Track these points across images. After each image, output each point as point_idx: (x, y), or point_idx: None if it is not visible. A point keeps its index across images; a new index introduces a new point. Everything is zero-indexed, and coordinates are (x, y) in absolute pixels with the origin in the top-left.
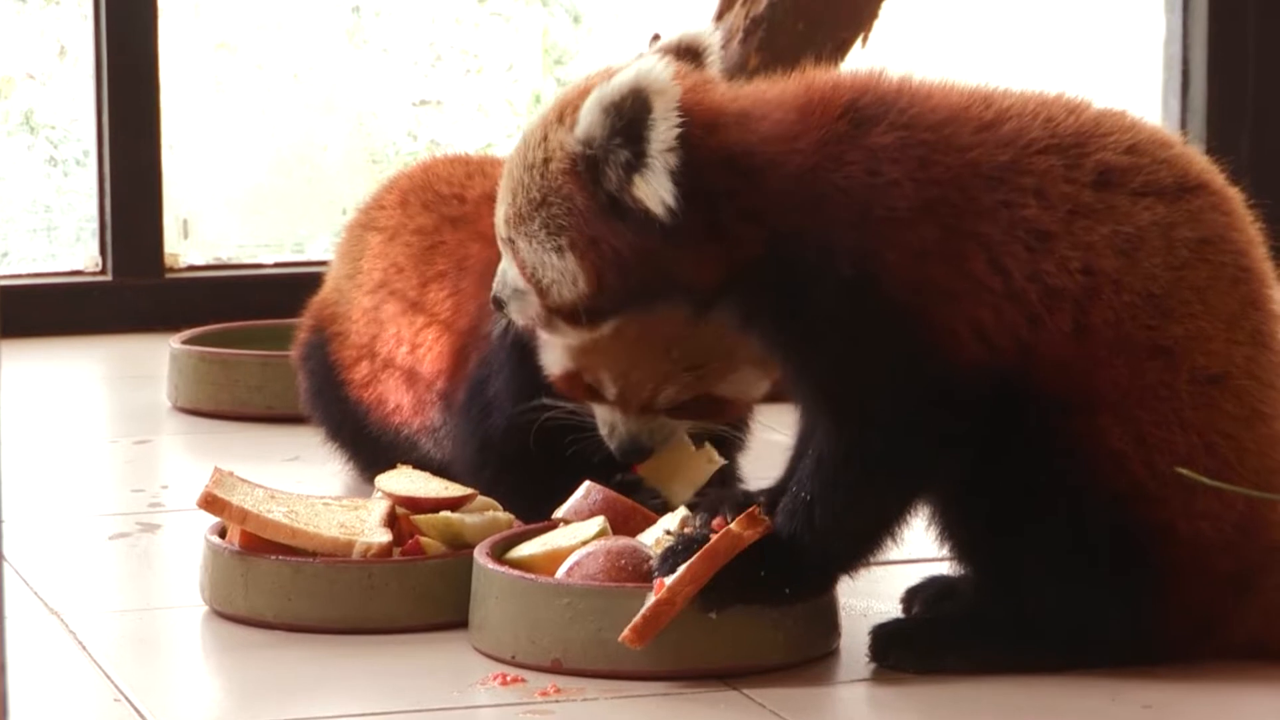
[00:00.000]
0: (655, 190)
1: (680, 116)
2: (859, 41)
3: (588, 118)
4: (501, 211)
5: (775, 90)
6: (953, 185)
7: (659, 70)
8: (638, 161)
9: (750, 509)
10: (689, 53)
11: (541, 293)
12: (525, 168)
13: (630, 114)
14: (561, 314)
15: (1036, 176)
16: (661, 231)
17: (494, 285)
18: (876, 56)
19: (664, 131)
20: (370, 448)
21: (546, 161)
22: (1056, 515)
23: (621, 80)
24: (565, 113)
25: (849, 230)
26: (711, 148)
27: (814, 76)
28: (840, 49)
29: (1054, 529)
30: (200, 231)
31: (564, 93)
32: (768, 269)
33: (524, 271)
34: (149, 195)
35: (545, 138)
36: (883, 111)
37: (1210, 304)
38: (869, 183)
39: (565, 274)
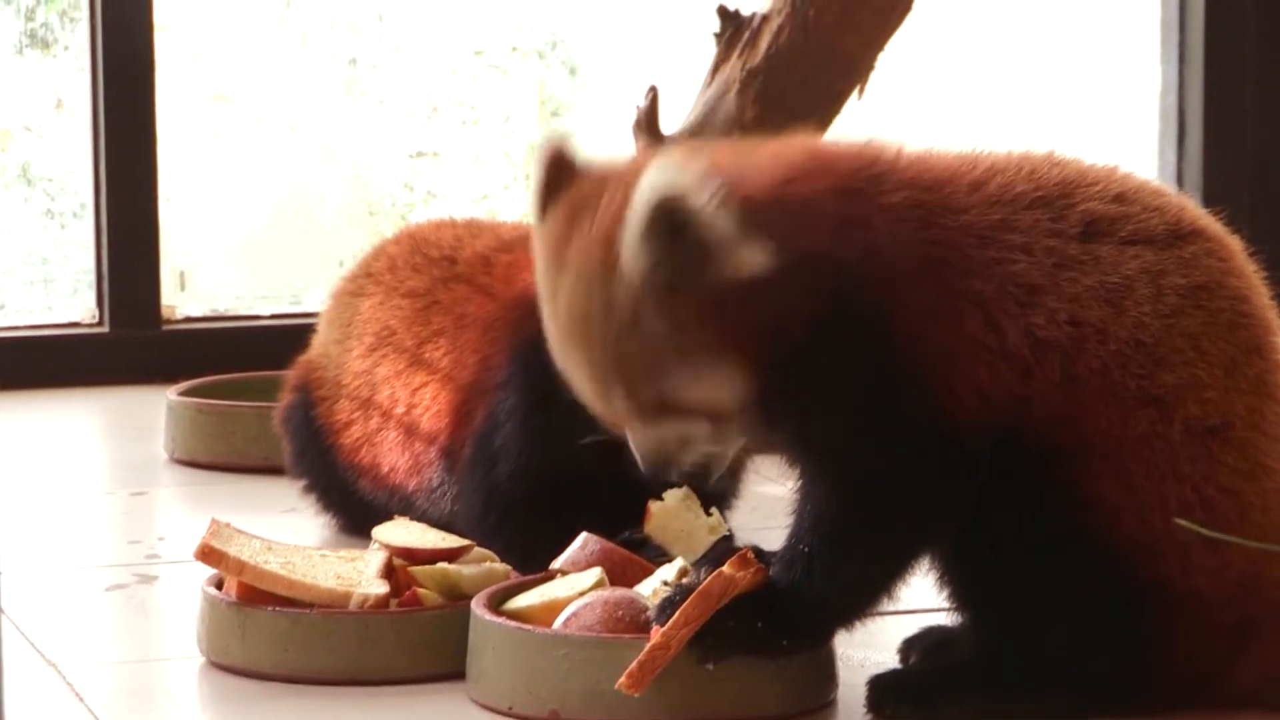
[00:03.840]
0: (741, 255)
1: (714, 190)
2: (855, 93)
3: (634, 250)
4: (617, 397)
5: (781, 147)
6: (950, 245)
7: (669, 175)
8: (705, 253)
9: (742, 551)
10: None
11: (718, 416)
12: (607, 344)
13: (669, 228)
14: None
15: (1023, 232)
16: (756, 284)
17: (642, 459)
18: (872, 109)
19: (710, 218)
20: (360, 511)
21: (635, 319)
22: (1054, 566)
23: (644, 204)
24: (603, 263)
25: (860, 288)
26: (757, 201)
27: (814, 138)
28: (836, 101)
29: (1051, 580)
30: (197, 283)
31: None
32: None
33: (686, 413)
34: (146, 247)
35: (605, 299)
36: (888, 171)
37: (1205, 351)
38: (881, 241)
39: (724, 380)
